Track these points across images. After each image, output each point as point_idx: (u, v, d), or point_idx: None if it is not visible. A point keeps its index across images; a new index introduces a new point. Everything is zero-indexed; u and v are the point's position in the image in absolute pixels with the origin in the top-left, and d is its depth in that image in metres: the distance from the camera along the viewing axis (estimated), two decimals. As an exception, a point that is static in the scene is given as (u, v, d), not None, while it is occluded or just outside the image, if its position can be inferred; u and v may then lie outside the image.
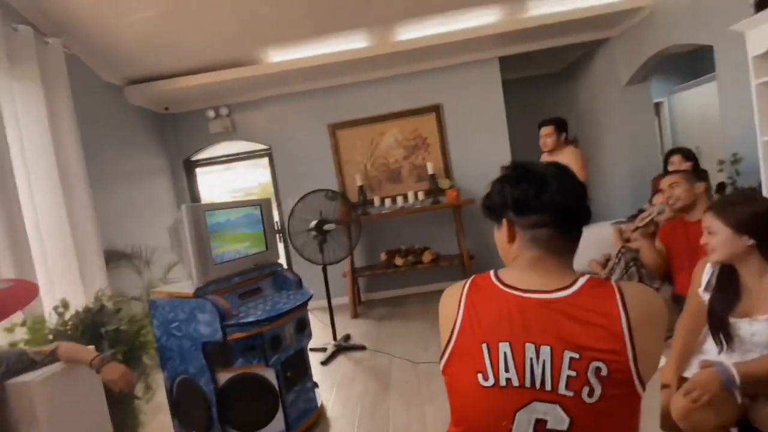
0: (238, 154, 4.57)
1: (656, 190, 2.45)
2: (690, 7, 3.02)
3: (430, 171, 4.03)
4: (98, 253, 2.69)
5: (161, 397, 2.37)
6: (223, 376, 1.84)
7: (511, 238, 0.76)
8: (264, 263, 2.24)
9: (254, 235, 2.25)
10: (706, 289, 1.25)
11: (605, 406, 0.63)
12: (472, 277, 0.79)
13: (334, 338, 3.06)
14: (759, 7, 2.09)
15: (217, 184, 5.56)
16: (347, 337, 3.19)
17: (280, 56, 3.63)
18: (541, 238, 0.72)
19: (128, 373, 1.39)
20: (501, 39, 3.77)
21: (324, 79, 4.07)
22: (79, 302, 2.24)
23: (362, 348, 2.94)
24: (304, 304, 2.04)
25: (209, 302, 1.79)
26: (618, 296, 0.67)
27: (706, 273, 1.26)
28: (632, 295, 0.67)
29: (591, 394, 0.63)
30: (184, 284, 2.08)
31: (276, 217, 4.33)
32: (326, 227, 2.92)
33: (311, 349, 2.96)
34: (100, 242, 2.71)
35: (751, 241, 1.11)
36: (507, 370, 0.67)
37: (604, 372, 0.63)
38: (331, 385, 2.47)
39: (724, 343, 1.16)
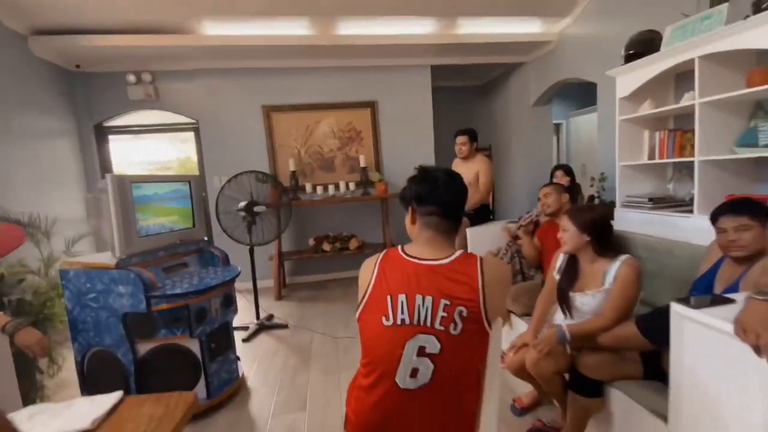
0: (160, 125, 4.30)
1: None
2: (583, 49, 3.64)
3: (362, 164, 4.24)
4: (-11, 220, 2.43)
5: (67, 372, 2.27)
6: (144, 347, 1.86)
7: (413, 221, 1.06)
8: (190, 239, 2.26)
9: (182, 210, 2.25)
10: (558, 272, 1.66)
11: (464, 337, 0.93)
12: (385, 251, 1.08)
13: (257, 317, 3.14)
14: (627, 59, 2.66)
15: (130, 155, 5.15)
16: (270, 317, 3.29)
17: (216, 29, 3.53)
18: (432, 223, 1.03)
19: (44, 339, 1.38)
20: (434, 49, 4.11)
21: (262, 60, 4.03)
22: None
23: (284, 326, 3.07)
24: (232, 281, 2.12)
25: (133, 273, 1.79)
26: (479, 265, 0.96)
27: (559, 260, 1.68)
28: (488, 265, 0.97)
29: (455, 328, 0.92)
30: (102, 255, 2.03)
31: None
32: (256, 209, 2.97)
33: (234, 328, 3.03)
34: (-9, 207, 2.45)
35: (588, 238, 1.53)
36: (402, 312, 0.94)
37: (465, 314, 0.92)
38: (252, 359, 2.58)
39: (567, 312, 1.57)
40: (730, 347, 0.95)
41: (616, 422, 1.45)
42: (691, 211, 2.30)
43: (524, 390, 1.89)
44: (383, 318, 0.95)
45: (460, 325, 0.92)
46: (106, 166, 4.09)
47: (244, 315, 3.30)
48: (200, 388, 1.96)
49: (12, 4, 2.83)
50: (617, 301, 1.45)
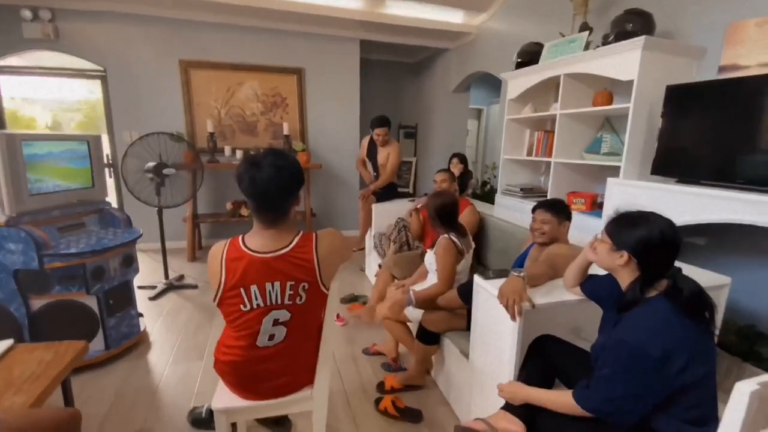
0: (60, 68, 3.94)
1: None
2: (496, 45, 3.99)
3: (285, 131, 4.30)
4: None
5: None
6: (38, 302, 1.93)
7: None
8: (89, 200, 2.28)
9: (79, 170, 2.24)
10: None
11: (308, 303, 1.20)
12: (229, 241, 1.17)
13: (166, 277, 3.23)
14: (517, 66, 3.04)
15: (33, 92, 4.66)
16: (180, 277, 3.39)
17: (126, -28, 3.28)
18: (261, 215, 1.15)
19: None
20: (361, 25, 4.20)
21: (180, 11, 3.83)
22: None
23: (194, 287, 3.21)
24: (132, 242, 2.21)
25: (24, 232, 1.83)
26: (314, 243, 1.18)
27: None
28: (321, 240, 1.19)
29: (301, 299, 1.18)
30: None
31: (107, 150, 4.03)
32: (165, 171, 2.98)
33: (140, 287, 3.11)
34: None
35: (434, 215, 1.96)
36: (257, 299, 1.14)
37: (307, 287, 1.18)
38: (158, 316, 2.72)
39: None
40: (499, 306, 1.36)
41: (445, 361, 1.90)
42: (546, 202, 2.81)
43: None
44: (241, 306, 1.15)
45: (304, 296, 1.17)
46: (-7, 108, 3.70)
47: (155, 275, 3.37)
48: (98, 341, 2.09)
49: None
50: (438, 268, 1.89)
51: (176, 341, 2.40)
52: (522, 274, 1.34)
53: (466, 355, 1.68)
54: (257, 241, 1.17)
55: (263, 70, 4.29)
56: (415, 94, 5.97)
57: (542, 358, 1.29)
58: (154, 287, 3.11)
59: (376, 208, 3.33)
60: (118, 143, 3.96)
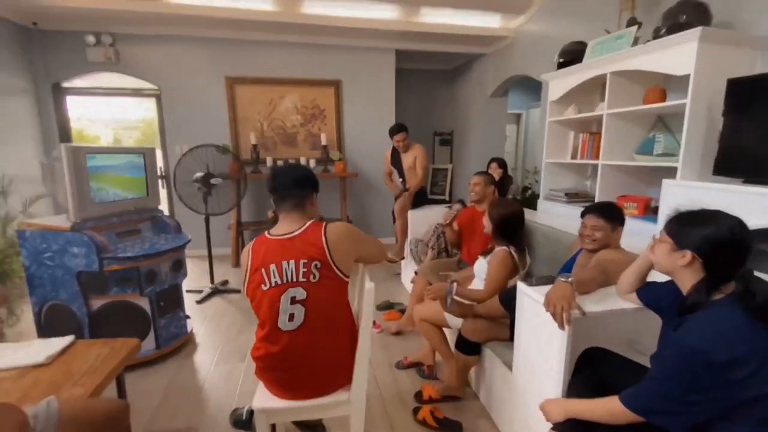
0: (121, 88, 4.29)
1: None
2: (535, 47, 3.89)
3: (323, 141, 4.41)
4: (-57, 177, 2.51)
5: (25, 323, 2.47)
6: (97, 302, 2.08)
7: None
8: (144, 208, 2.44)
9: (136, 180, 2.41)
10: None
11: (323, 282, 1.25)
12: (258, 237, 1.34)
13: (212, 282, 3.38)
14: (558, 66, 2.93)
15: (94, 114, 5.09)
16: (225, 282, 3.53)
17: (179, -3, 3.54)
18: (278, 204, 1.34)
19: (4, 290, 1.58)
20: (397, 35, 4.25)
21: (226, 31, 4.07)
22: None
23: (237, 291, 3.33)
24: (181, 247, 2.33)
25: (86, 236, 1.98)
26: (323, 228, 1.28)
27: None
28: (330, 228, 1.29)
29: (315, 278, 1.24)
30: (57, 218, 2.19)
31: (160, 162, 4.31)
32: (213, 181, 3.14)
33: (188, 291, 3.27)
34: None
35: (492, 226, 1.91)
36: (275, 276, 1.24)
37: (319, 266, 1.25)
38: (204, 318, 2.84)
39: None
40: (544, 315, 1.29)
41: (486, 373, 1.82)
42: (594, 207, 2.66)
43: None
44: (262, 285, 1.25)
45: (317, 275, 1.25)
46: (63, 127, 4.09)
47: (201, 279, 3.53)
48: (150, 340, 2.21)
49: (-39, -44, 2.78)
50: (488, 278, 1.80)
51: (220, 343, 2.48)
52: (570, 279, 1.26)
53: (509, 366, 1.60)
54: (278, 228, 1.34)
55: (303, 83, 4.44)
56: (450, 100, 5.93)
57: (593, 372, 1.20)
58: (200, 291, 3.26)
59: (412, 214, 3.31)
60: (170, 156, 4.23)
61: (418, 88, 5.89)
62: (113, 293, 2.09)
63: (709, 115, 1.99)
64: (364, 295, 1.29)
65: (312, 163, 4.43)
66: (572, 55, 2.82)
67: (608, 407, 0.95)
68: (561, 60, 2.89)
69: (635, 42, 2.34)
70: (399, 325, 2.57)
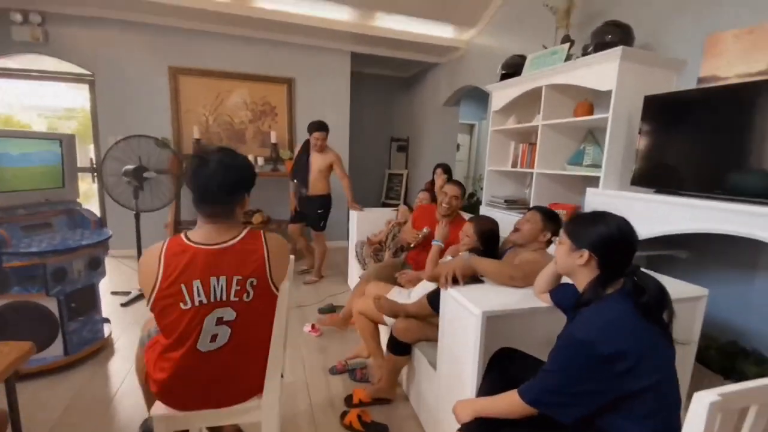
0: (48, 72, 3.94)
1: (426, 188, 3.38)
2: (485, 59, 4.02)
3: (273, 140, 4.29)
4: None
5: None
6: (-7, 303, 1.85)
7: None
8: (58, 200, 2.23)
9: (49, 169, 2.19)
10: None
11: (256, 302, 1.13)
12: (168, 239, 1.11)
13: (141, 283, 3.14)
14: (501, 78, 3.05)
15: (22, 98, 4.64)
16: (157, 284, 3.30)
17: (117, -21, 3.32)
18: (201, 208, 1.13)
19: None
20: (352, 37, 4.24)
21: (170, 18, 3.85)
22: None
23: (170, 293, 3.12)
24: (99, 244, 2.15)
25: (-19, 229, 1.77)
26: (263, 240, 1.15)
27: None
28: (270, 240, 1.16)
29: (248, 296, 1.11)
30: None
31: (92, 153, 4.00)
32: (146, 174, 2.94)
33: (113, 292, 3.03)
34: None
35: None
36: (199, 295, 1.06)
37: (255, 283, 1.12)
38: (128, 323, 2.63)
39: None
40: (460, 310, 1.30)
41: (415, 374, 1.82)
42: (529, 213, 2.77)
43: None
44: (180, 304, 1.05)
45: (251, 293, 1.11)
46: (-22, 110, 3.68)
47: (131, 281, 3.29)
48: (57, 345, 2.00)
49: None
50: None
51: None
52: (467, 256, 1.38)
53: (434, 366, 1.60)
54: (201, 234, 1.12)
55: (253, 78, 4.31)
56: (406, 107, 6.01)
57: (501, 372, 1.22)
58: (127, 293, 3.03)
59: (357, 215, 3.28)
60: (102, 148, 3.92)
61: (376, 94, 5.92)
62: (14, 292, 1.88)
63: (629, 129, 2.14)
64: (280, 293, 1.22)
65: (260, 161, 4.29)
66: (513, 68, 2.94)
67: (508, 401, 0.97)
68: (503, 72, 3.01)
69: (568, 58, 2.48)
70: (332, 321, 2.52)
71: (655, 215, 1.82)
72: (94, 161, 3.96)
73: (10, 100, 4.34)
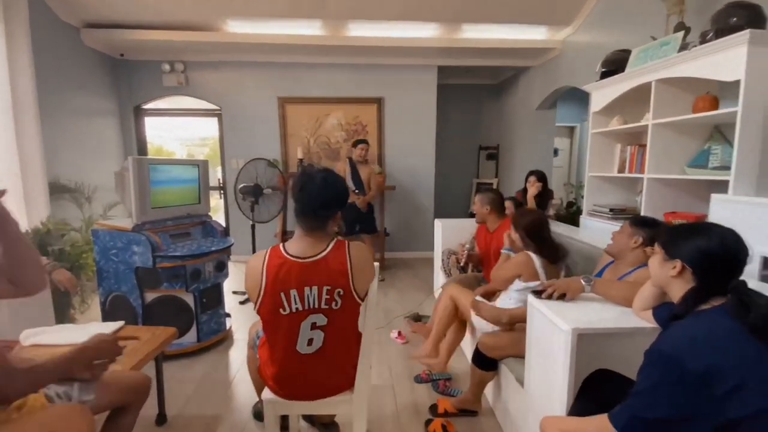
0: (188, 109, 4.82)
1: (515, 197, 3.25)
2: (582, 58, 3.75)
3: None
4: (43, 184, 2.99)
5: (94, 311, 2.83)
6: (150, 296, 2.34)
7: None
8: (195, 213, 2.71)
9: (190, 189, 2.69)
10: None
11: (343, 308, 1.26)
12: (269, 250, 1.26)
13: (255, 285, 3.61)
14: (602, 76, 2.81)
15: (170, 132, 5.73)
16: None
17: (239, 28, 3.94)
18: (302, 222, 1.26)
19: (73, 278, 1.85)
20: (439, 52, 4.33)
21: (279, 56, 4.42)
22: (21, 225, 2.59)
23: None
24: (224, 250, 2.55)
25: (144, 236, 2.26)
26: (347, 252, 1.25)
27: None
28: (353, 251, 1.26)
29: (336, 305, 1.24)
30: (124, 221, 2.51)
31: (219, 174, 4.73)
32: (265, 191, 3.41)
33: (234, 292, 3.52)
34: (45, 174, 2.99)
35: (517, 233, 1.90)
36: (296, 303, 1.21)
37: (342, 293, 1.24)
38: (245, 318, 3.05)
39: None
40: (548, 325, 1.24)
41: (501, 389, 1.77)
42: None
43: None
44: (280, 309, 1.21)
45: (339, 302, 1.24)
46: (142, 142, 4.67)
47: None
48: (192, 333, 2.43)
49: (68, 0, 3.35)
50: (494, 268, 1.96)
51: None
52: (591, 282, 1.30)
53: (521, 382, 1.54)
54: (297, 246, 1.26)
55: (347, 101, 4.67)
56: (496, 114, 5.85)
57: (596, 395, 1.13)
58: (244, 293, 3.50)
59: (442, 223, 3.30)
60: (227, 170, 4.64)
61: (463, 103, 5.89)
62: (164, 288, 2.34)
63: (766, 125, 1.80)
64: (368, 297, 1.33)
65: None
66: (615, 64, 2.69)
67: (597, 424, 0.91)
68: (604, 69, 2.77)
69: (683, 48, 2.19)
70: (420, 329, 2.56)
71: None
72: (221, 181, 4.70)
73: (161, 133, 5.42)
